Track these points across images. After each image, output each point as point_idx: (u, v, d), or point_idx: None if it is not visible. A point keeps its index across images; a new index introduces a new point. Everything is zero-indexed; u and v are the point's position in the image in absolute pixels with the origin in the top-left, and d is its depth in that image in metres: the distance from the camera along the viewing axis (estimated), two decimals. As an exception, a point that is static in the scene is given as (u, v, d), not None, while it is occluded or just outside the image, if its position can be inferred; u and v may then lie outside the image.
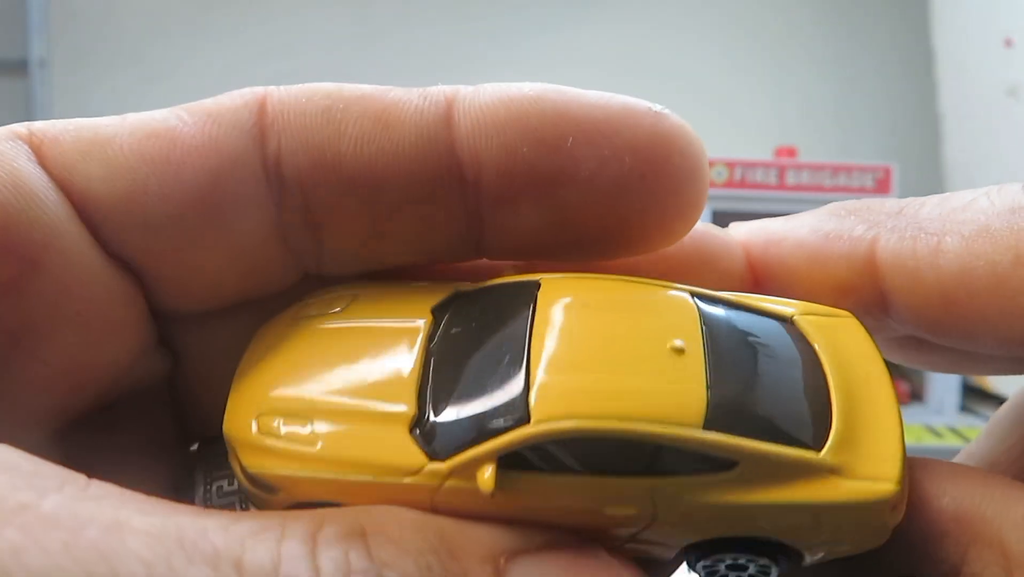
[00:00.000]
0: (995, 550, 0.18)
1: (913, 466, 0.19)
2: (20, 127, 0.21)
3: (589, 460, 0.18)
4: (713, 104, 2.06)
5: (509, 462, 0.18)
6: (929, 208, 0.21)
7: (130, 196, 0.20)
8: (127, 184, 0.20)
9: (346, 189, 0.21)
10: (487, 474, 0.17)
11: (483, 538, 0.17)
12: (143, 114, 0.21)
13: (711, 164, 1.66)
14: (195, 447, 0.25)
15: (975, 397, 1.64)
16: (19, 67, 1.96)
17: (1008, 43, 1.41)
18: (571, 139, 0.20)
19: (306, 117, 0.21)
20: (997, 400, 1.53)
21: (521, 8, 2.09)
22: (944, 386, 1.62)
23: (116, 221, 0.20)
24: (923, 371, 1.67)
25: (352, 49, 2.03)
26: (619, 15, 2.08)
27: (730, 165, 1.58)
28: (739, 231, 0.24)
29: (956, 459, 0.25)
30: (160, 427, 0.24)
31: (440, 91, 0.21)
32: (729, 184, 1.56)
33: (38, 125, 0.21)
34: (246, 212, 0.21)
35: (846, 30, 2.11)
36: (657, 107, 0.21)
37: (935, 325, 0.21)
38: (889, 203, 0.22)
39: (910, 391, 1.66)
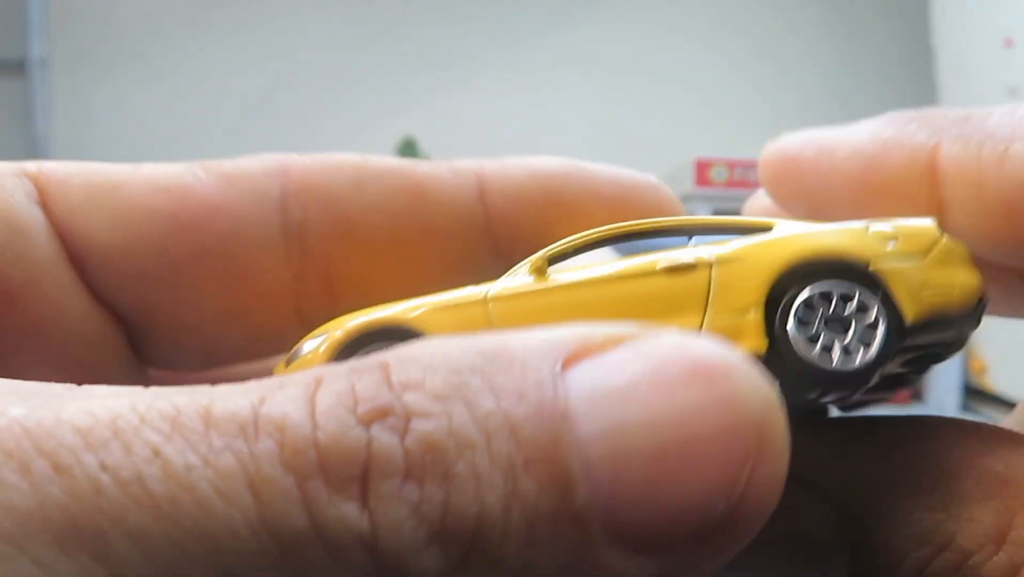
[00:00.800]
0: None
1: (962, 428, 0.18)
2: (32, 165, 0.21)
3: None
4: (713, 104, 2.06)
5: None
6: (998, 116, 0.20)
7: (130, 247, 0.20)
8: (129, 235, 0.20)
9: (375, 260, 0.21)
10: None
11: (536, 342, 0.13)
12: (159, 166, 0.21)
13: (712, 164, 1.65)
14: None
15: (976, 397, 1.64)
16: (19, 67, 1.96)
17: (1008, 43, 1.41)
18: (596, 210, 0.22)
19: (335, 188, 0.21)
20: (997, 400, 1.53)
21: (520, 8, 2.09)
22: (944, 386, 1.62)
23: (112, 269, 0.20)
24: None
25: (352, 49, 2.03)
26: (619, 15, 2.08)
27: (730, 165, 1.58)
28: (790, 141, 0.23)
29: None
30: None
31: (467, 166, 0.22)
32: (729, 184, 1.56)
33: (49, 165, 0.21)
34: (257, 277, 0.21)
35: (846, 30, 2.11)
36: (654, 179, 0.24)
37: (995, 238, 0.20)
38: (955, 111, 0.21)
39: (911, 391, 1.66)
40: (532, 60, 2.05)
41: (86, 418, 0.11)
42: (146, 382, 0.23)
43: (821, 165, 0.22)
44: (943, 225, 0.20)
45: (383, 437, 0.12)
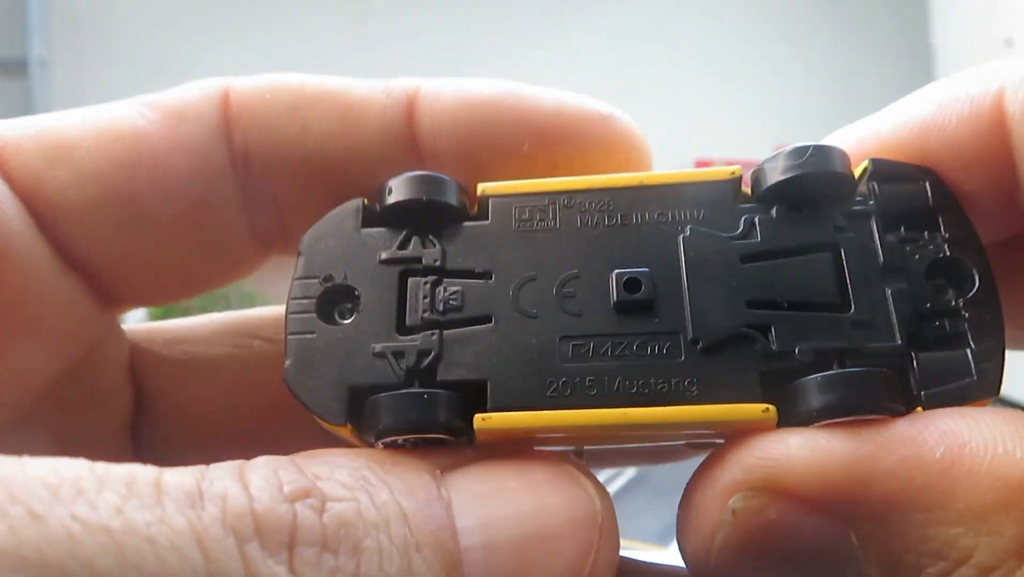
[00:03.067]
0: None
1: (976, 426, 0.16)
2: None
3: None
4: (713, 104, 2.06)
5: None
6: None
7: (101, 202, 0.20)
8: (99, 190, 0.20)
9: (312, 181, 0.21)
10: None
11: (416, 457, 0.16)
12: (102, 110, 0.21)
13: (711, 164, 1.66)
14: None
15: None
16: (19, 67, 1.96)
17: (1008, 43, 1.41)
18: (527, 144, 0.21)
19: (272, 113, 0.21)
20: (1001, 402, 1.52)
21: (519, 9, 2.09)
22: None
23: (81, 226, 0.20)
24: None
25: (352, 49, 2.03)
26: (617, 16, 2.08)
27: (730, 165, 1.58)
28: (846, 140, 0.20)
29: None
30: None
31: (402, 87, 0.22)
32: (729, 184, 1.56)
33: None
34: (217, 207, 0.21)
35: (846, 30, 2.11)
36: (607, 109, 0.21)
37: None
38: (1009, 61, 0.19)
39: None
40: (530, 61, 2.05)
41: (52, 475, 0.13)
42: (116, 332, 0.23)
43: (866, 148, 0.20)
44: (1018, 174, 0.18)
45: (305, 512, 0.14)
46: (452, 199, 0.19)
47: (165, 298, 0.23)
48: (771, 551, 0.16)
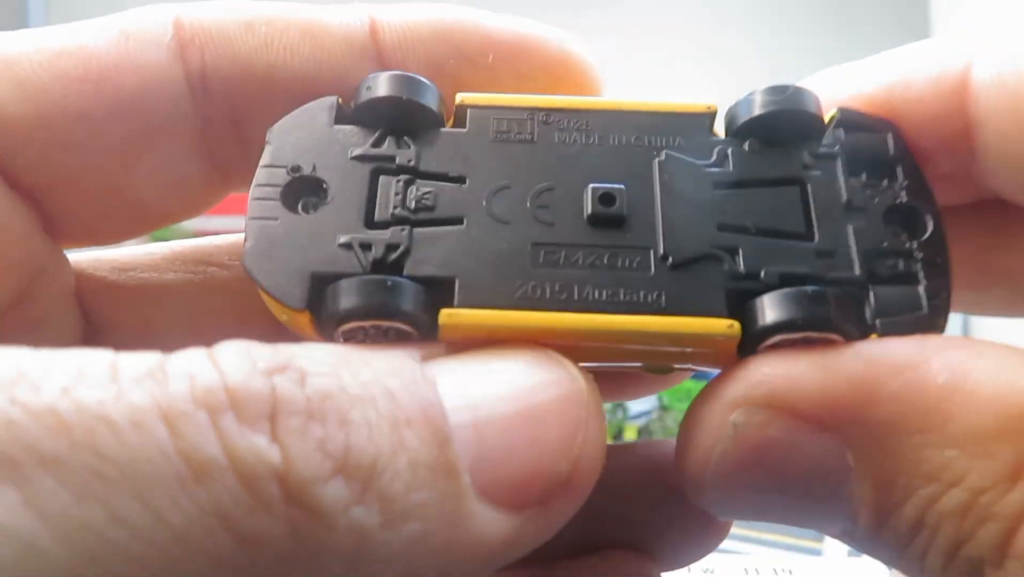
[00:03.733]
0: None
1: (978, 352, 0.16)
2: None
3: None
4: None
5: None
6: None
7: (46, 117, 0.19)
8: (43, 104, 0.19)
9: (276, 99, 0.20)
10: None
11: (392, 348, 0.16)
12: (43, 30, 0.20)
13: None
14: None
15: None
16: (19, 67, 1.96)
17: (1008, 43, 1.41)
18: (492, 55, 0.21)
19: (228, 30, 0.21)
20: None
21: (519, 10, 2.09)
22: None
23: (25, 144, 0.19)
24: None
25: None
26: (617, 14, 2.08)
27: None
28: (820, 84, 0.21)
29: None
30: None
31: (362, 7, 0.21)
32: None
33: None
34: (172, 130, 0.20)
35: (846, 30, 2.11)
36: (560, 33, 0.22)
37: None
38: (986, 34, 0.19)
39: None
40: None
41: None
42: (60, 259, 0.22)
43: (845, 92, 0.20)
44: (975, 151, 0.19)
45: (286, 384, 0.13)
46: (431, 102, 0.19)
47: (115, 235, 0.22)
48: (767, 468, 0.16)
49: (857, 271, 0.18)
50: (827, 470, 0.16)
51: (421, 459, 0.14)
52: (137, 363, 0.12)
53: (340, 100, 0.20)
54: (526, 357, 0.16)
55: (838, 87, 0.21)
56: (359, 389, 0.14)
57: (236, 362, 0.13)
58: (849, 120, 0.19)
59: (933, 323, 0.17)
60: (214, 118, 0.21)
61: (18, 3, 1.98)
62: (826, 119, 0.20)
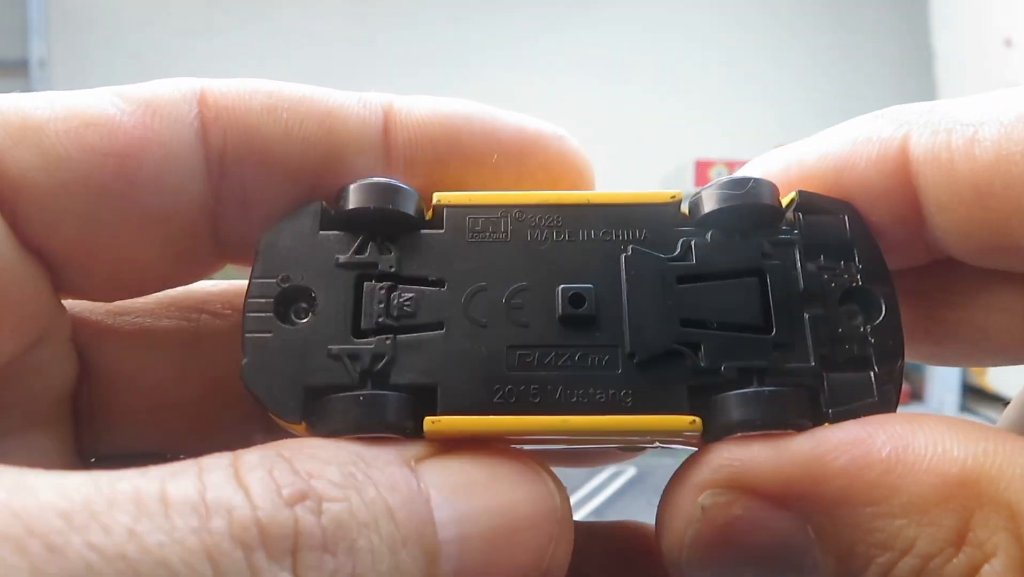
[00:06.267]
0: (1002, 513, 0.16)
1: (917, 427, 0.17)
2: None
3: None
4: (713, 105, 2.06)
5: None
6: (965, 103, 0.20)
7: (68, 188, 0.20)
8: (66, 175, 0.20)
9: (287, 187, 0.21)
10: None
11: (391, 448, 0.17)
12: (72, 96, 0.20)
13: (712, 164, 1.66)
14: (92, 461, 0.24)
15: (975, 397, 1.64)
16: (19, 67, 1.96)
17: (1008, 43, 1.41)
18: (496, 156, 0.22)
19: (251, 114, 0.21)
20: (997, 400, 1.53)
21: (519, 9, 2.09)
22: (944, 386, 1.62)
23: (45, 211, 0.20)
24: (923, 370, 1.67)
25: (352, 49, 2.03)
26: (618, 16, 2.08)
27: (730, 165, 1.58)
28: (768, 168, 0.22)
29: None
30: (59, 440, 0.23)
31: (377, 100, 0.22)
32: (729, 184, 1.56)
33: None
34: (186, 207, 0.21)
35: (846, 30, 2.11)
36: (561, 131, 0.23)
37: (968, 229, 0.19)
38: (922, 104, 0.21)
39: (910, 391, 1.66)
40: (531, 61, 2.06)
41: (63, 501, 0.13)
42: (62, 314, 0.23)
43: (791, 177, 0.22)
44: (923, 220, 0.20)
45: (305, 517, 0.15)
46: (408, 208, 0.20)
47: (117, 294, 0.23)
48: (736, 545, 0.18)
49: (812, 361, 0.19)
50: (791, 543, 0.17)
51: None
52: (183, 497, 0.14)
53: (324, 204, 0.21)
54: (507, 469, 0.18)
55: (791, 166, 0.22)
56: (365, 513, 0.15)
57: (263, 492, 0.15)
58: (807, 203, 0.20)
59: (883, 408, 0.19)
60: (226, 197, 0.21)
61: (18, 3, 1.98)
62: (785, 201, 0.20)
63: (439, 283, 0.20)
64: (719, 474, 0.18)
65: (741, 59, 2.10)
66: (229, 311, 0.25)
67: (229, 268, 0.24)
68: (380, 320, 0.19)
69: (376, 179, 0.20)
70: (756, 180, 0.20)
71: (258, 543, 0.14)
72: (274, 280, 0.20)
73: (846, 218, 0.20)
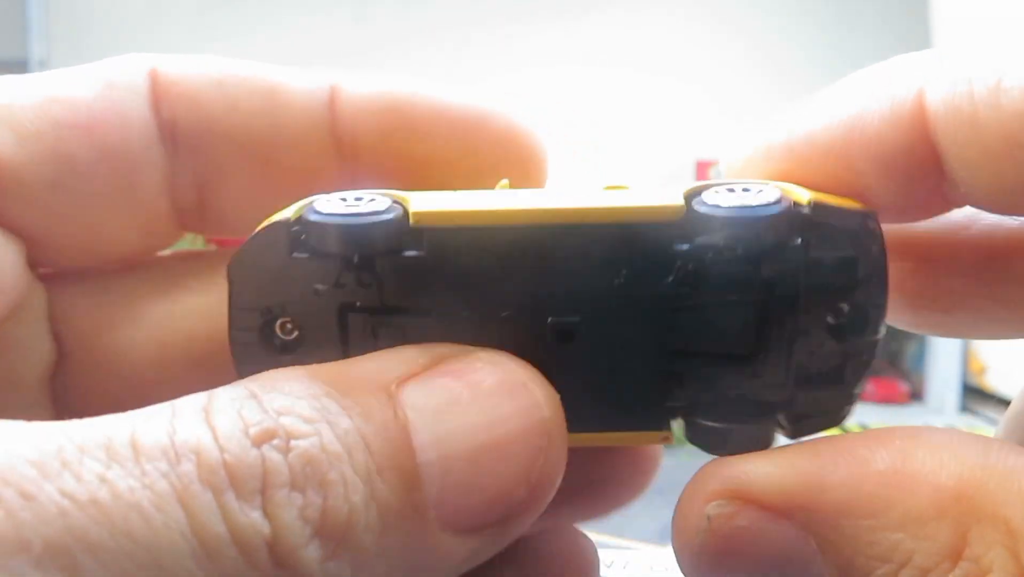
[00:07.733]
0: (999, 528, 0.16)
1: (916, 441, 0.17)
2: None
3: None
4: (714, 104, 2.06)
5: None
6: (979, 50, 0.18)
7: (39, 160, 0.20)
8: (35, 146, 0.20)
9: (236, 158, 0.22)
10: None
11: (371, 371, 0.17)
12: (35, 76, 0.22)
13: (712, 164, 1.66)
14: None
15: (975, 397, 1.64)
16: (19, 67, 1.96)
17: (1008, 43, 1.41)
18: (441, 131, 0.23)
19: (199, 87, 0.22)
20: (997, 400, 1.53)
21: (520, 6, 2.09)
22: (944, 386, 1.62)
23: (19, 186, 0.20)
24: (923, 370, 1.67)
25: (352, 49, 2.03)
26: (619, 14, 2.08)
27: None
28: (770, 140, 0.21)
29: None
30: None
31: (325, 76, 0.23)
32: (729, 184, 1.56)
33: None
34: (144, 176, 0.22)
35: (846, 30, 2.11)
36: (507, 108, 0.23)
37: (997, 182, 0.18)
38: (929, 53, 0.19)
39: (910, 391, 1.66)
40: (531, 59, 2.05)
41: (34, 451, 0.13)
42: (37, 290, 0.23)
43: (795, 148, 0.20)
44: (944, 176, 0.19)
45: (272, 455, 0.15)
46: (381, 237, 0.18)
47: (85, 262, 0.23)
48: (741, 554, 0.18)
49: (789, 389, 0.19)
50: (795, 555, 0.18)
51: (392, 507, 0.16)
52: (153, 441, 0.14)
53: (292, 220, 0.19)
54: (492, 382, 0.18)
55: (795, 133, 0.21)
56: (336, 446, 0.15)
57: (231, 432, 0.15)
58: (817, 220, 0.19)
59: (834, 425, 0.20)
60: (179, 169, 0.22)
61: (18, 3, 1.98)
62: (803, 200, 0.19)
63: (425, 313, 0.19)
64: (723, 485, 0.18)
65: (742, 59, 2.10)
66: (203, 283, 0.24)
67: (188, 239, 0.25)
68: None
69: (341, 220, 0.18)
70: (763, 206, 0.18)
71: (227, 485, 0.14)
72: (255, 312, 0.19)
73: (857, 237, 0.19)
